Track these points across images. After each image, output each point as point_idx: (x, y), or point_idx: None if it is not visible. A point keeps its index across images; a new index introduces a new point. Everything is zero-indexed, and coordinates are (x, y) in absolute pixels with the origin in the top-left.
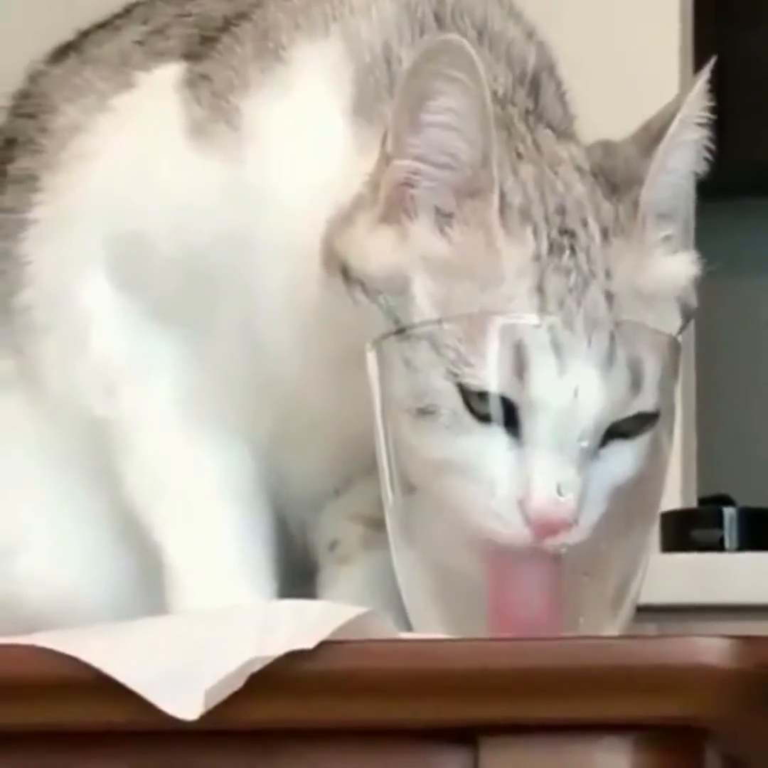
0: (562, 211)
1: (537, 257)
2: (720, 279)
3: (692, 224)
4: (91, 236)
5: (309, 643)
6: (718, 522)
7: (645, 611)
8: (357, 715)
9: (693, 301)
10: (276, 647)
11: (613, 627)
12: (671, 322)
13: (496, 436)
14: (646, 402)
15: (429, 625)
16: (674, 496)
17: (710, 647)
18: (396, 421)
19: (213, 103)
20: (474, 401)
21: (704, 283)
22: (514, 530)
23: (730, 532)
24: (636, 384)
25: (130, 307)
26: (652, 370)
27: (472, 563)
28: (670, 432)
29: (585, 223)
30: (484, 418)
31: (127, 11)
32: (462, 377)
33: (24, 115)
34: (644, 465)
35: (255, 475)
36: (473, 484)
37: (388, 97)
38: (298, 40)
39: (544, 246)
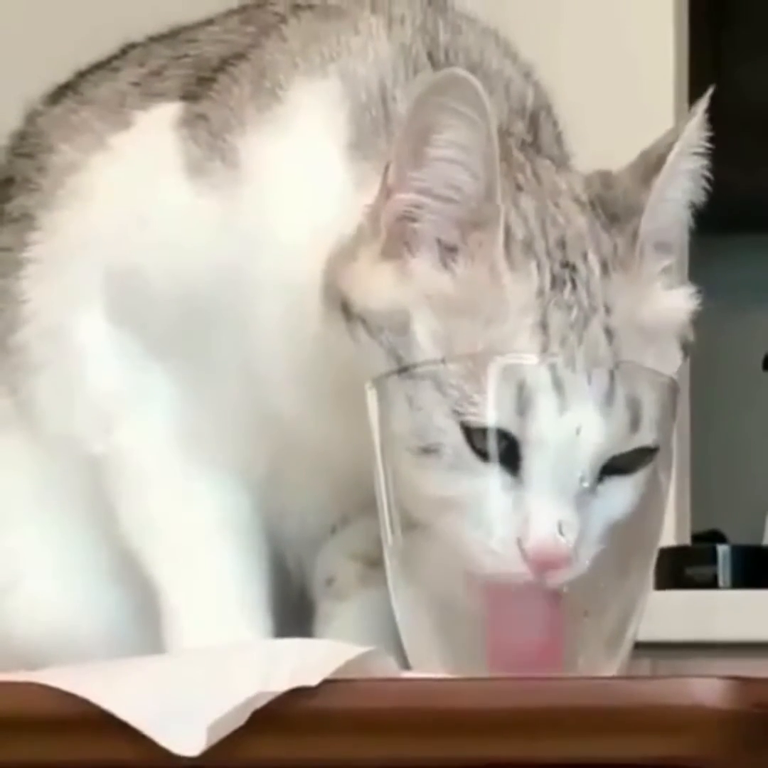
0: (562, 244)
1: (540, 293)
2: (715, 315)
3: (687, 254)
4: (87, 274)
5: (312, 681)
6: (712, 559)
7: (639, 648)
8: (359, 754)
9: (691, 336)
10: (279, 684)
11: (611, 666)
12: (672, 357)
13: (496, 475)
14: (644, 438)
15: (427, 663)
16: (668, 533)
17: (708, 688)
18: (397, 458)
19: (210, 143)
20: (477, 440)
21: (699, 319)
22: (512, 568)
23: (723, 570)
24: (634, 422)
25: (126, 343)
26: (650, 408)
27: (472, 601)
28: (669, 471)
29: (585, 257)
30: (486, 457)
31: (124, 52)
32: (465, 416)
33: (22, 154)
34: (643, 504)
35: (252, 511)
36: (473, 522)
37: (384, 134)
38: (296, 79)
39: (547, 280)
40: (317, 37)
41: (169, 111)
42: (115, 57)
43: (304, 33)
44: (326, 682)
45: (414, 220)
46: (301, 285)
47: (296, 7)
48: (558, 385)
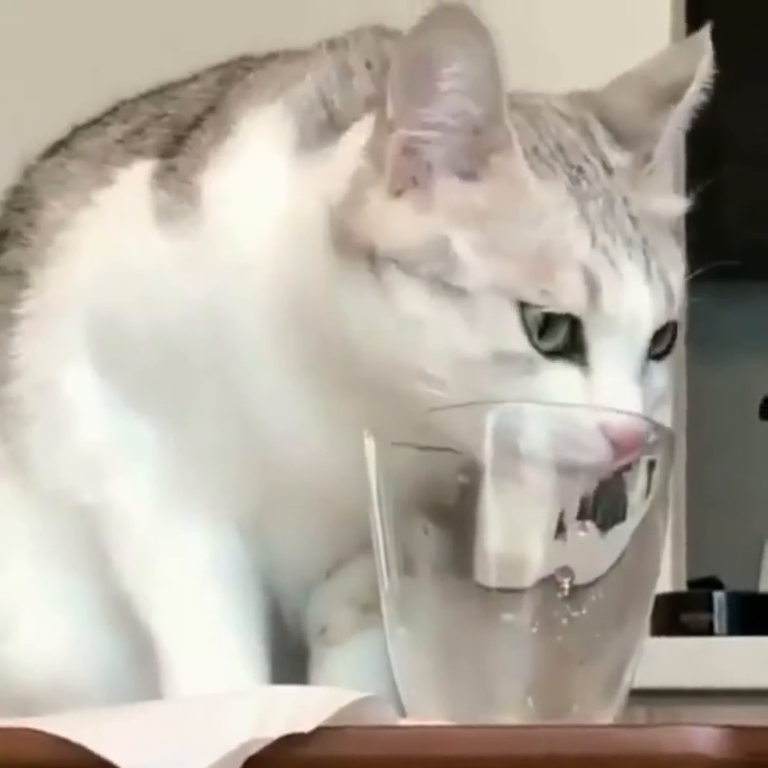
0: (560, 148)
1: (570, 190)
2: (711, 361)
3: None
4: (73, 327)
5: (306, 727)
6: (708, 606)
7: (634, 695)
8: None
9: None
10: (273, 730)
11: (607, 714)
12: (676, 254)
13: (566, 369)
14: (674, 311)
15: (423, 710)
16: (664, 579)
17: (703, 736)
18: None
19: (178, 188)
20: (544, 339)
21: (695, 365)
22: (598, 456)
23: (719, 617)
24: (669, 294)
25: (110, 393)
26: (676, 279)
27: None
28: (665, 517)
29: (586, 159)
30: (551, 354)
31: (116, 109)
32: (535, 309)
33: (15, 209)
34: (639, 550)
35: (244, 556)
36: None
37: (328, 131)
38: (245, 109)
39: (567, 180)
40: (273, 76)
41: (145, 167)
42: (107, 113)
43: (265, 76)
44: (320, 729)
45: (426, 153)
46: (273, 299)
47: (268, 57)
48: (614, 266)
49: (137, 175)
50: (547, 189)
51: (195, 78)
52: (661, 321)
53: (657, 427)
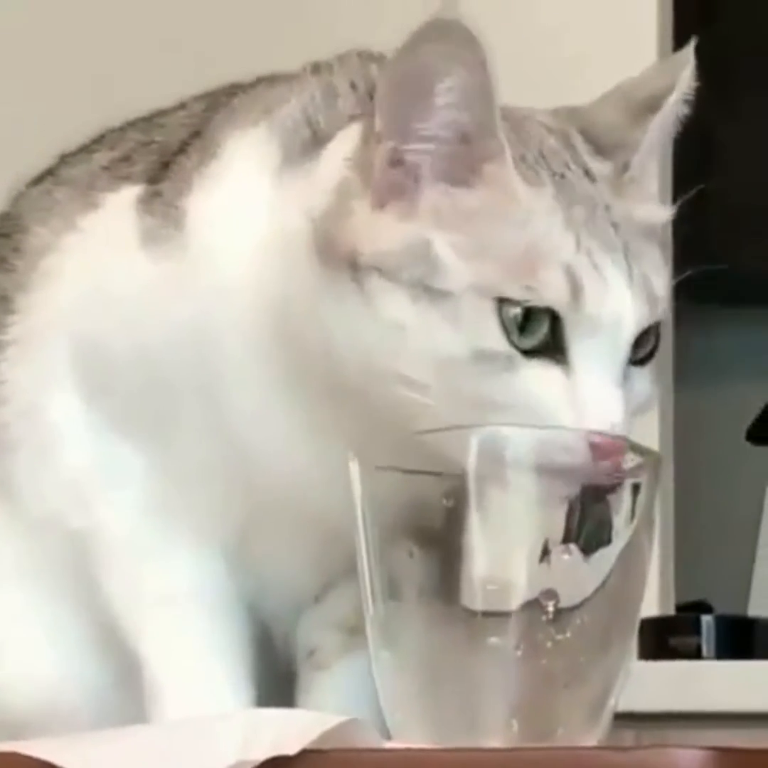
0: (542, 156)
1: (555, 196)
2: (698, 385)
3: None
4: (58, 352)
5: (291, 750)
6: (696, 630)
7: (622, 719)
8: None
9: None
10: (258, 753)
11: (592, 737)
12: (658, 260)
13: (547, 368)
14: (657, 313)
15: (409, 733)
16: (652, 603)
17: (689, 758)
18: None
19: (164, 211)
20: (521, 336)
21: (683, 388)
22: (580, 459)
23: (707, 640)
24: (651, 296)
25: (96, 418)
26: (659, 285)
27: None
28: (651, 541)
29: (567, 166)
30: (531, 353)
31: (102, 137)
32: (522, 303)
33: (1, 234)
34: (624, 574)
35: (230, 580)
36: (535, 421)
37: (312, 147)
38: (230, 132)
39: (552, 186)
40: (257, 99)
41: (132, 192)
42: (94, 140)
43: (249, 100)
44: (305, 752)
45: (416, 164)
46: (257, 320)
47: (253, 82)
48: (597, 268)
49: (123, 200)
50: (535, 195)
51: (182, 105)
52: (644, 324)
53: (642, 451)
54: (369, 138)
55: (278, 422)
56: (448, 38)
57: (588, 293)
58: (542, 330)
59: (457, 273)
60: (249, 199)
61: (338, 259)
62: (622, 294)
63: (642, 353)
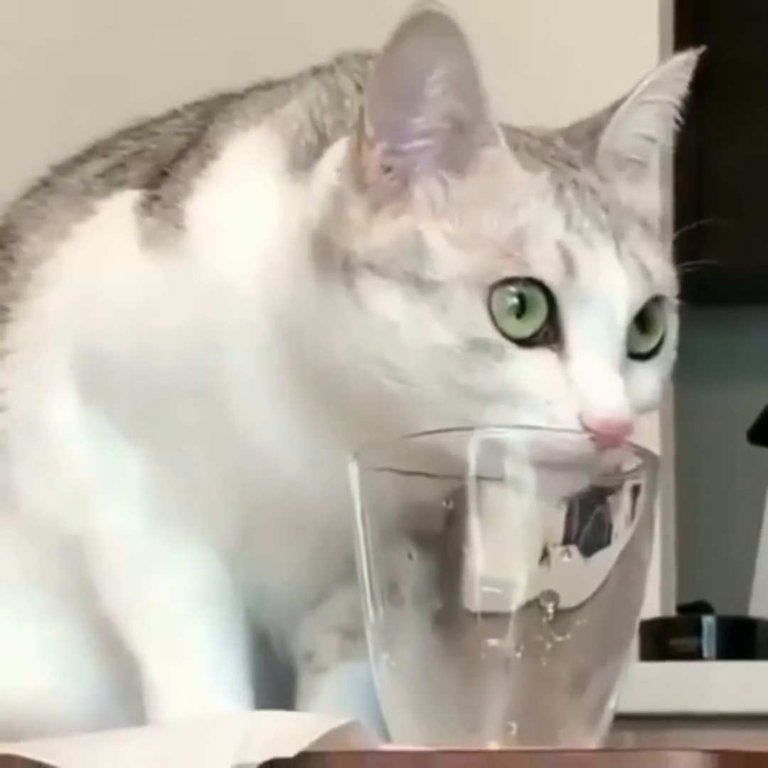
0: (530, 146)
1: (549, 178)
2: (699, 386)
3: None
4: (57, 358)
5: (289, 752)
6: (697, 631)
7: (623, 720)
8: None
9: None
10: (255, 755)
11: (591, 739)
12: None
13: (542, 355)
14: (653, 287)
15: (408, 736)
16: (653, 604)
17: (689, 761)
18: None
19: (163, 213)
20: (518, 321)
21: (684, 390)
22: (579, 448)
23: (708, 641)
24: (645, 272)
25: (96, 423)
26: (654, 264)
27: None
28: (650, 543)
29: (554, 157)
30: (527, 342)
31: (93, 147)
32: (515, 282)
33: None
34: (624, 577)
35: (230, 584)
36: (529, 411)
37: (318, 153)
38: (230, 134)
39: (548, 170)
40: (256, 101)
41: (130, 197)
42: (87, 150)
43: (247, 102)
44: (304, 754)
45: (411, 160)
46: (260, 322)
47: (247, 89)
48: (589, 244)
49: (120, 205)
50: (530, 178)
51: (174, 114)
52: (639, 298)
53: (641, 452)
54: (359, 144)
55: (280, 424)
56: (430, 30)
57: (581, 268)
58: (540, 317)
59: (448, 262)
60: (251, 197)
61: (333, 264)
62: (613, 268)
63: (645, 347)
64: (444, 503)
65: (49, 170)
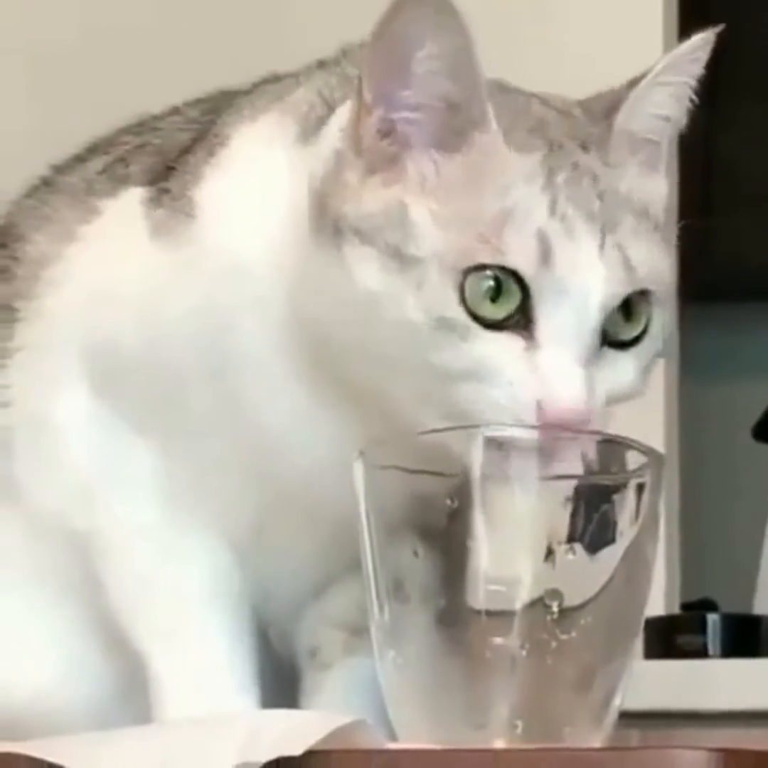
0: (539, 126)
1: (541, 162)
2: (703, 384)
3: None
4: (66, 355)
5: (295, 751)
6: (702, 628)
7: (628, 717)
8: None
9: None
10: (261, 754)
11: (596, 737)
12: (646, 234)
13: (510, 340)
14: (634, 282)
15: (414, 734)
16: (657, 601)
17: (694, 760)
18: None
19: (172, 205)
20: (493, 305)
21: (687, 387)
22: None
23: (713, 639)
24: (627, 266)
25: (106, 416)
26: (640, 258)
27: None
28: (655, 541)
29: (566, 133)
30: (496, 325)
31: (93, 145)
32: (491, 267)
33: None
34: (628, 576)
35: (239, 577)
36: (492, 388)
37: (329, 119)
38: (239, 124)
39: (541, 152)
40: (264, 93)
41: (136, 193)
42: (88, 149)
43: (255, 95)
44: (310, 753)
45: (404, 132)
46: (271, 298)
47: (252, 84)
48: (569, 233)
49: (127, 202)
50: (520, 160)
51: (175, 111)
52: (615, 293)
53: (646, 450)
54: (360, 109)
55: (293, 407)
56: (425, 6)
57: (557, 258)
58: (513, 303)
59: (428, 240)
60: (261, 175)
61: (326, 226)
62: (592, 261)
63: (627, 335)
64: (449, 501)
65: (50, 169)
